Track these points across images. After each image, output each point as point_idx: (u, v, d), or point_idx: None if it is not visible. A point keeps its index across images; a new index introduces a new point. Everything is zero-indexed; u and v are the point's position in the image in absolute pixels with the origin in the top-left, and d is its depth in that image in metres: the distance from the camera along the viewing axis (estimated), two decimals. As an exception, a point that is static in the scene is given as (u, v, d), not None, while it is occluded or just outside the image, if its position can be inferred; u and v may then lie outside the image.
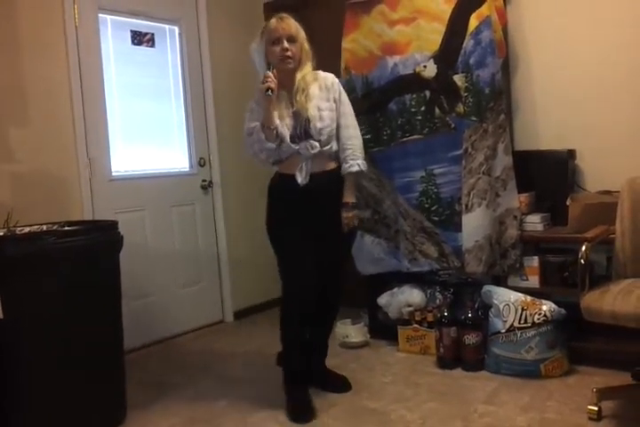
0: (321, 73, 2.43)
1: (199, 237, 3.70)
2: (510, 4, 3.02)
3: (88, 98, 3.10)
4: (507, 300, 2.66)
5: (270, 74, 2.25)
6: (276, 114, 2.30)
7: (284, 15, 2.36)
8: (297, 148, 2.32)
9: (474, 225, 2.80)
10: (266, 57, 2.35)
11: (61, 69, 3.01)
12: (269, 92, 2.22)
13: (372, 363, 2.90)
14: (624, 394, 2.32)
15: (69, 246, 2.18)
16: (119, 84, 3.30)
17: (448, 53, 2.84)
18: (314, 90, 2.36)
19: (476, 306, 2.80)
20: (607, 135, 2.83)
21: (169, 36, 3.57)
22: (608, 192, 2.67)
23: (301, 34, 2.36)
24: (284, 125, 2.31)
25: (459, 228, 2.84)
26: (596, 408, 2.15)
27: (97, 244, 2.29)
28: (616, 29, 2.77)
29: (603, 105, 2.84)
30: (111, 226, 2.46)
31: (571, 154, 2.87)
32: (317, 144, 2.32)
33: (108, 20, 3.24)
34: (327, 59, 3.40)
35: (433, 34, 2.85)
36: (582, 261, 2.17)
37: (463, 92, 2.81)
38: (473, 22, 2.75)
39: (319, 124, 2.32)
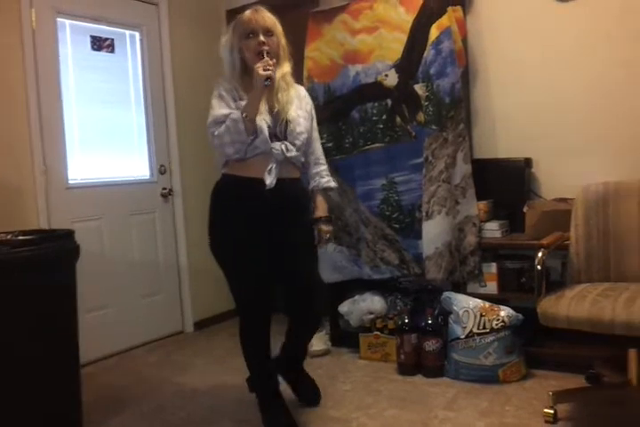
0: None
1: (159, 247, 3.64)
2: (470, 16, 3.09)
3: (45, 104, 3.04)
4: (466, 306, 2.69)
5: (271, 62, 2.06)
6: None
7: (260, 7, 2.21)
8: (272, 146, 2.13)
9: (434, 232, 2.83)
10: (239, 52, 2.18)
11: (17, 74, 2.94)
12: (268, 81, 2.03)
13: (333, 371, 2.89)
14: (578, 397, 2.37)
15: (24, 256, 2.10)
16: (77, 90, 3.24)
17: (409, 63, 2.88)
18: (293, 94, 2.25)
19: (437, 313, 2.83)
20: (562, 144, 2.90)
21: (129, 42, 3.53)
22: (563, 200, 2.73)
23: (278, 28, 2.20)
24: (262, 120, 2.12)
25: (419, 235, 2.87)
26: (551, 411, 2.18)
27: (52, 254, 2.21)
28: (571, 41, 2.86)
29: (557, 115, 2.92)
30: (67, 235, 2.39)
31: (527, 162, 2.94)
32: (294, 148, 2.18)
33: (66, 25, 3.19)
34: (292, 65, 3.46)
35: (394, 43, 2.89)
36: (538, 267, 2.21)
37: (424, 102, 2.85)
38: (434, 32, 2.80)
39: (298, 129, 2.19)
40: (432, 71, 2.82)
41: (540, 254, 2.23)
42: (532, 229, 2.67)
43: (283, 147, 2.15)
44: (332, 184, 2.37)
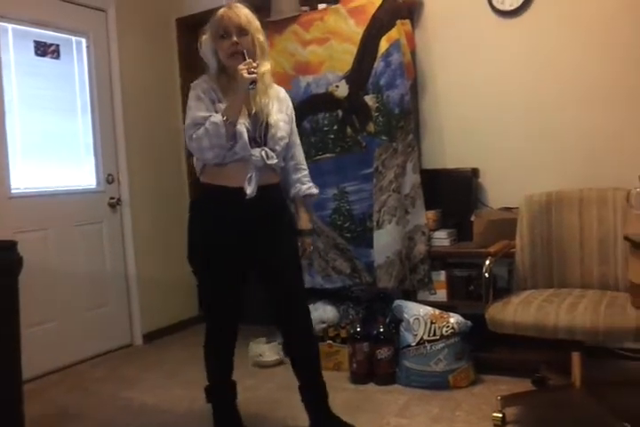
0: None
1: (106, 258, 3.55)
2: (418, 29, 3.16)
3: (-15, 110, 2.93)
4: (416, 314, 2.73)
5: (255, 64, 1.96)
6: None
7: (235, 3, 2.08)
8: (250, 153, 2.02)
9: (385, 241, 2.87)
10: (214, 52, 2.07)
11: (-45, 79, 2.84)
12: (253, 85, 1.95)
13: (287, 382, 2.85)
14: (525, 400, 2.44)
15: (-38, 268, 2.03)
16: (20, 97, 3.14)
17: (359, 74, 2.93)
18: (272, 95, 2.13)
19: (388, 321, 2.86)
20: (507, 155, 3.00)
21: (75, 48, 3.45)
22: (508, 209, 2.82)
23: (254, 24, 2.05)
24: (241, 125, 2.01)
25: (370, 244, 2.91)
26: (500, 415, 2.23)
27: (-7, 265, 2.14)
28: (514, 55, 2.96)
29: (502, 127, 3.01)
30: (10, 246, 2.29)
31: (474, 173, 3.02)
32: (274, 154, 2.06)
33: (9, 29, 3.09)
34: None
35: (345, 55, 2.94)
36: (486, 274, 2.27)
37: (374, 112, 2.90)
38: (383, 45, 2.86)
39: (279, 134, 2.08)
40: (382, 83, 2.87)
41: (487, 262, 2.29)
42: (480, 237, 2.74)
43: (263, 153, 2.04)
44: (314, 191, 2.27)
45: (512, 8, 2.94)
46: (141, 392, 2.87)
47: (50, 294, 3.18)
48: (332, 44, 2.97)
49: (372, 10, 2.88)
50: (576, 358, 2.21)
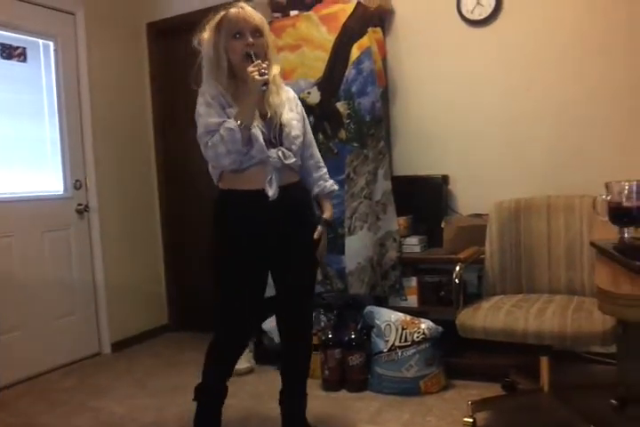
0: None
1: (73, 265, 3.49)
2: (389, 37, 3.19)
3: (-52, 113, 2.86)
4: (388, 320, 2.74)
5: (265, 65, 1.93)
6: None
7: (245, 4, 2.05)
8: (267, 155, 1.99)
9: (356, 248, 2.87)
10: (225, 53, 2.00)
11: None
12: (266, 86, 1.91)
13: (258, 390, 2.86)
14: (495, 405, 2.46)
15: None
16: (-15, 100, 3.08)
17: (331, 81, 2.94)
18: (284, 96, 2.11)
19: (360, 327, 2.86)
20: (476, 162, 3.04)
21: (43, 52, 3.39)
22: (478, 215, 2.85)
23: (267, 27, 2.04)
24: (255, 128, 1.97)
25: (342, 250, 2.91)
26: (471, 420, 2.25)
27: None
28: (483, 64, 3.01)
29: (472, 134, 3.05)
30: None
31: (445, 179, 3.05)
32: (291, 153, 2.03)
33: (-27, 32, 3.04)
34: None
35: (317, 62, 2.94)
36: (456, 280, 2.29)
37: (345, 119, 2.91)
38: (355, 52, 2.87)
39: (294, 132, 2.05)
40: (353, 90, 2.89)
41: (457, 268, 2.31)
42: (450, 243, 2.77)
43: (280, 154, 2.00)
44: (336, 187, 2.26)
45: (481, 17, 2.99)
46: (110, 402, 2.82)
47: (15, 303, 3.11)
48: (303, 51, 2.97)
49: (343, 17, 2.90)
50: (544, 362, 2.24)
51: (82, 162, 3.56)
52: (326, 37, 2.93)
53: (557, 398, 2.22)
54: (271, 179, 1.99)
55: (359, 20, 2.90)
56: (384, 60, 3.12)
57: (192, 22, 3.91)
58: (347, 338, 2.80)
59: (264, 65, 1.92)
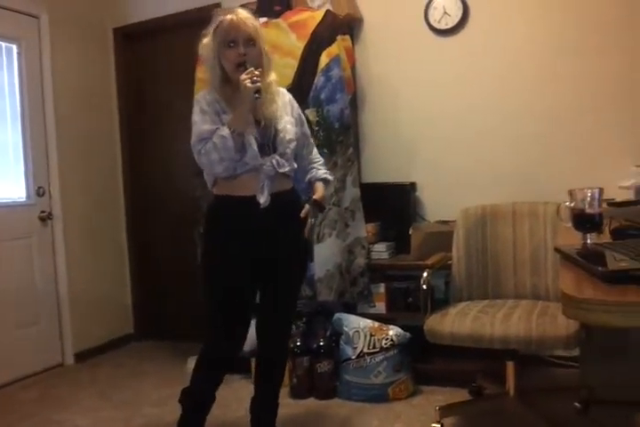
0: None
1: (36, 274, 3.40)
2: (358, 45, 3.22)
3: None
4: (356, 326, 2.74)
5: (257, 72, 1.92)
6: None
7: (240, 10, 2.02)
8: (261, 162, 1.98)
9: (325, 255, 2.87)
10: (218, 60, 2.00)
11: None
12: (258, 94, 1.90)
13: (226, 398, 2.81)
14: (462, 409, 2.48)
15: None
16: (-56, 104, 2.99)
17: (300, 88, 2.94)
18: (280, 103, 2.10)
19: (328, 334, 2.86)
20: (443, 169, 3.08)
21: (6, 55, 3.32)
22: (445, 222, 2.89)
23: (261, 34, 2.02)
24: (249, 135, 1.97)
25: (310, 257, 2.90)
26: (439, 426, 2.27)
27: None
28: (450, 73, 3.06)
29: (439, 142, 3.10)
30: None
31: (412, 186, 3.08)
32: (286, 163, 2.02)
33: None
34: (179, 86, 3.41)
35: (286, 68, 2.94)
36: (424, 286, 2.31)
37: (314, 126, 2.91)
38: (324, 60, 2.88)
39: (288, 136, 2.04)
40: (322, 97, 2.90)
41: (425, 275, 2.33)
42: (418, 250, 2.79)
43: (274, 162, 2.00)
44: (330, 177, 2.23)
45: (448, 27, 3.04)
46: (74, 414, 2.74)
47: (-27, 313, 3.02)
48: (273, 58, 2.96)
49: (312, 25, 2.91)
50: (510, 367, 2.27)
51: (45, 168, 3.49)
52: (295, 44, 2.94)
53: (523, 402, 2.25)
54: (263, 186, 1.98)
55: (328, 28, 2.92)
56: (353, 67, 3.14)
57: (158, 28, 3.91)
58: (315, 345, 2.79)
59: (256, 73, 1.92)
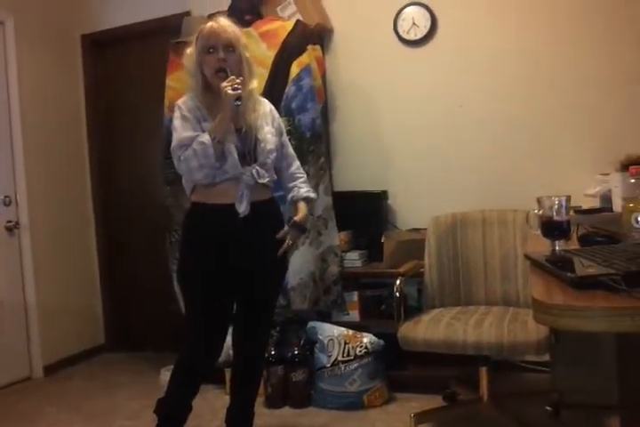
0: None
1: (2, 285, 3.32)
2: (328, 55, 3.25)
3: None
4: (331, 335, 2.74)
5: (238, 80, 1.92)
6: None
7: (221, 17, 2.05)
8: (241, 171, 1.99)
9: (298, 263, 2.87)
10: (199, 67, 2.00)
11: None
12: (239, 102, 1.90)
13: (199, 409, 2.75)
14: (437, 416, 2.50)
15: None
16: None
17: (271, 98, 2.89)
18: (261, 111, 2.11)
19: (302, 343, 2.85)
20: (414, 178, 3.12)
21: (-31, 63, 3.26)
22: (417, 230, 2.91)
23: (242, 41, 2.04)
24: (229, 143, 1.97)
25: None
26: (413, 433, 2.28)
27: None
28: (418, 82, 3.10)
29: (409, 150, 3.13)
30: None
31: (384, 195, 3.10)
32: (266, 174, 2.03)
33: None
34: (149, 94, 3.39)
35: (257, 78, 2.94)
36: (397, 294, 2.32)
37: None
38: (294, 69, 2.90)
39: (269, 147, 2.05)
40: (293, 106, 2.91)
41: (397, 282, 2.35)
42: (390, 258, 2.81)
43: (254, 172, 2.00)
44: (312, 195, 2.22)
45: (416, 38, 3.09)
46: (41, 429, 2.69)
47: (-64, 327, 2.93)
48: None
49: (283, 34, 2.92)
50: (483, 372, 2.30)
51: (12, 177, 3.41)
52: (266, 54, 2.94)
53: (496, 407, 2.28)
54: (242, 195, 1.98)
55: (299, 38, 2.93)
56: (323, 77, 3.16)
57: (127, 35, 3.87)
58: (290, 354, 2.78)
59: (238, 80, 1.92)
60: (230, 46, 1.99)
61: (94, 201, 3.92)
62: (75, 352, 3.66)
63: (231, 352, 2.92)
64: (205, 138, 1.92)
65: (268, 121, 2.12)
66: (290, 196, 2.20)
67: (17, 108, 3.43)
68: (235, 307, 2.18)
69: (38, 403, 3.03)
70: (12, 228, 3.38)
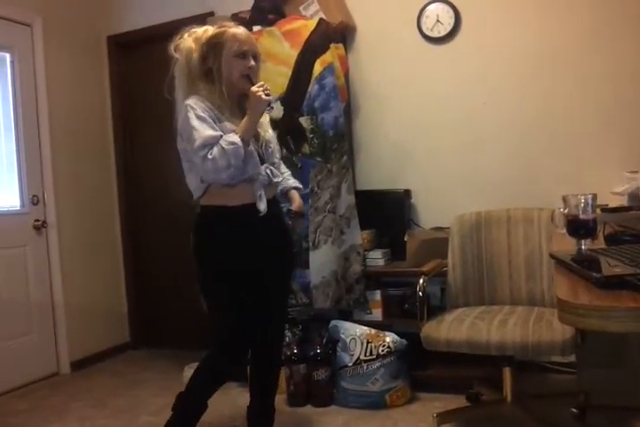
0: None
1: (30, 283, 3.38)
2: (351, 53, 3.24)
3: None
4: (353, 334, 2.74)
5: (268, 86, 2.01)
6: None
7: (240, 26, 2.12)
8: (258, 171, 2.05)
9: (320, 262, 2.88)
10: (217, 68, 2.02)
11: None
12: (270, 107, 2.01)
13: (222, 406, 2.80)
14: (460, 416, 2.48)
15: None
16: (-63, 113, 2.99)
17: (294, 96, 2.95)
18: (267, 116, 2.20)
19: (325, 341, 2.85)
20: (437, 176, 3.09)
21: (-1, 64, 3.33)
22: (440, 228, 2.89)
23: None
24: (251, 144, 2.03)
25: (306, 265, 2.91)
26: (436, 433, 2.27)
27: None
28: (442, 80, 3.08)
29: (433, 148, 3.11)
30: None
31: (407, 194, 3.09)
32: (278, 173, 2.15)
33: None
34: (173, 94, 3.41)
35: (280, 77, 2.96)
36: (420, 293, 2.31)
37: (309, 134, 2.93)
38: (317, 68, 2.90)
39: (276, 147, 2.19)
40: (316, 105, 2.91)
41: (421, 281, 2.33)
42: (413, 257, 2.79)
43: (268, 171, 2.08)
44: (300, 185, 2.32)
45: (440, 35, 3.06)
46: (69, 424, 2.73)
47: (-33, 323, 3.00)
48: (266, 66, 2.96)
49: (306, 33, 2.93)
50: (507, 373, 2.27)
51: (39, 177, 3.48)
52: (289, 53, 2.95)
53: (520, 408, 2.25)
54: (261, 195, 2.04)
55: (322, 36, 2.93)
56: (346, 75, 3.15)
57: (152, 36, 3.91)
58: (312, 353, 2.78)
59: (267, 86, 2.00)
60: (257, 56, 2.10)
61: (120, 200, 3.98)
62: (101, 349, 3.72)
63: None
64: (236, 138, 1.93)
65: (270, 125, 2.22)
66: (280, 188, 2.26)
67: (45, 109, 3.50)
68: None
69: (66, 398, 3.08)
70: (39, 227, 3.44)
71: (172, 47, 2.10)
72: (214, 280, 2.09)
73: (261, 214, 2.03)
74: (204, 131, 1.95)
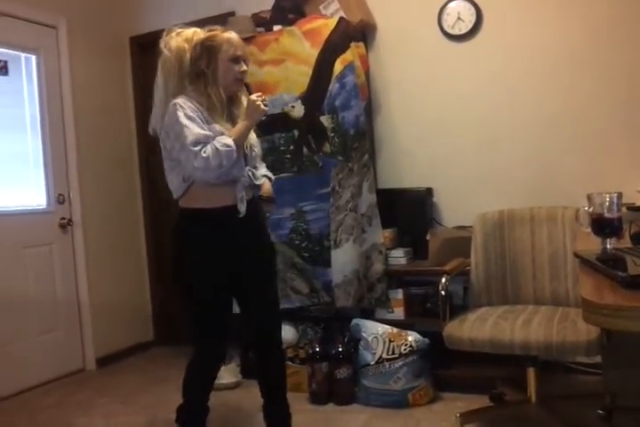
0: None
1: (57, 280, 3.44)
2: (372, 52, 3.22)
3: None
4: (375, 332, 2.74)
5: (265, 97, 2.10)
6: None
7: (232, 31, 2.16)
8: (241, 174, 2.08)
9: (342, 260, 2.88)
10: (212, 71, 2.05)
11: None
12: (265, 115, 2.10)
13: (244, 404, 2.83)
14: (483, 416, 2.46)
15: None
16: (-34, 115, 3.05)
17: (315, 95, 2.96)
18: None
19: (347, 340, 2.86)
20: (460, 175, 3.07)
21: (25, 65, 3.38)
22: (462, 227, 2.87)
23: None
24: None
25: (328, 263, 2.91)
26: (459, 433, 2.26)
27: None
28: (463, 78, 3.05)
29: (455, 147, 3.08)
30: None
31: (429, 192, 3.07)
32: (259, 175, 2.20)
33: (-46, 46, 3.01)
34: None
35: (300, 76, 2.96)
36: (442, 292, 2.29)
37: (330, 133, 2.93)
38: (338, 67, 2.90)
39: (257, 150, 2.23)
40: (337, 104, 2.91)
41: (443, 280, 2.32)
42: (435, 255, 2.78)
43: (250, 174, 2.14)
44: (271, 175, 2.32)
45: (461, 33, 3.04)
46: (94, 419, 2.77)
47: (-4, 320, 3.06)
48: (287, 66, 2.99)
49: (326, 32, 2.93)
50: (531, 373, 2.25)
51: (65, 176, 3.54)
52: (309, 52, 2.95)
53: (544, 409, 2.22)
54: (242, 197, 2.07)
55: (342, 35, 2.93)
56: (367, 74, 3.15)
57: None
58: (334, 351, 2.79)
59: (265, 96, 2.08)
60: (247, 61, 2.16)
61: (143, 199, 4.02)
62: (125, 346, 3.77)
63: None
64: (230, 141, 1.98)
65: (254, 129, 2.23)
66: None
67: (70, 109, 3.55)
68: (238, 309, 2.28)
69: (91, 394, 3.13)
70: (65, 225, 3.50)
71: (162, 44, 2.09)
72: (193, 281, 2.11)
73: (241, 215, 2.05)
74: (194, 129, 1.97)
